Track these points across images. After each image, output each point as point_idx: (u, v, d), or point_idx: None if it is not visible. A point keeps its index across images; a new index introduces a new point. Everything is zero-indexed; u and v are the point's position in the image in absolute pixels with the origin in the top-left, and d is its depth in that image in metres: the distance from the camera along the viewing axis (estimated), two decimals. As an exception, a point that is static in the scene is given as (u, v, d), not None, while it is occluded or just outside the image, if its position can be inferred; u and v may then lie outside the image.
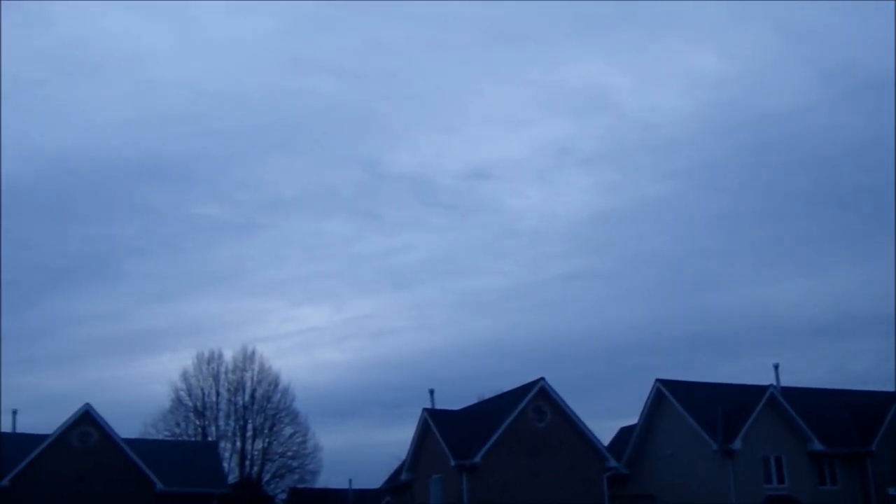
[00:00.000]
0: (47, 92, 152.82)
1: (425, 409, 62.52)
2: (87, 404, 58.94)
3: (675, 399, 61.58)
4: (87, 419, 58.70)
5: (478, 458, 56.58)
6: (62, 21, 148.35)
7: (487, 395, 70.68)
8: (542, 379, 59.30)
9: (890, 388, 67.64)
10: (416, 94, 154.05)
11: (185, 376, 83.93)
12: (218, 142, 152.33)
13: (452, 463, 57.10)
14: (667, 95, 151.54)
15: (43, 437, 58.27)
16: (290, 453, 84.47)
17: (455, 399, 78.98)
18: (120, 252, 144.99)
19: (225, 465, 73.44)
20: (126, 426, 62.53)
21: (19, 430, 62.90)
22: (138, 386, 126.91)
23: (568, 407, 59.18)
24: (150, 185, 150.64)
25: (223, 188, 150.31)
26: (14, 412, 63.72)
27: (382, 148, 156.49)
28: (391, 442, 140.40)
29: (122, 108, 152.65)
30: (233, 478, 77.50)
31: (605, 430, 75.56)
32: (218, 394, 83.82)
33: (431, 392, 64.98)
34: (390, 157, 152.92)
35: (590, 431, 59.50)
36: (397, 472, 67.71)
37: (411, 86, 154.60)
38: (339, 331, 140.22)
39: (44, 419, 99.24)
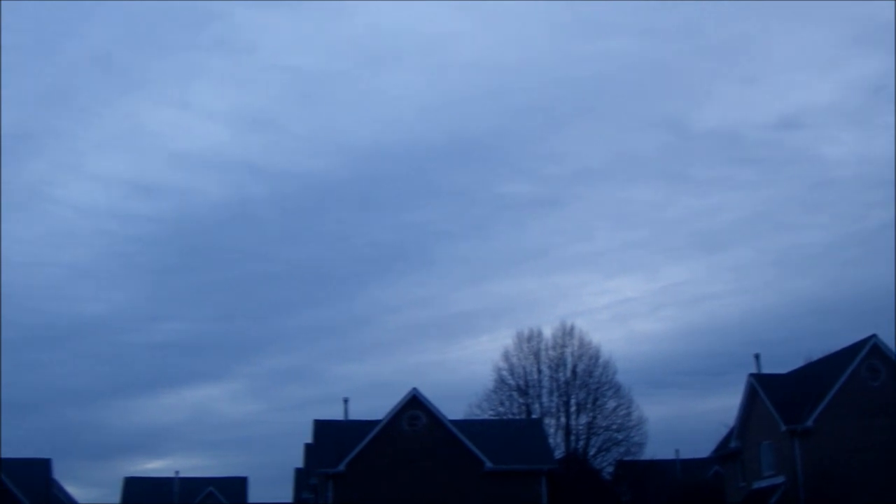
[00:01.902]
0: (350, 85, 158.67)
1: (751, 375, 60.75)
2: (415, 389, 60.42)
3: None
4: (414, 403, 60.20)
5: (810, 422, 54.47)
6: (360, 12, 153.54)
7: (815, 357, 67.85)
8: (874, 336, 56.38)
9: None
10: (715, 45, 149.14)
11: (506, 356, 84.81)
12: (519, 117, 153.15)
13: (783, 428, 55.19)
14: None
15: (373, 423, 60.24)
16: (614, 426, 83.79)
17: (780, 362, 76.36)
18: (431, 238, 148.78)
19: (550, 441, 73.69)
20: (450, 408, 63.81)
21: (351, 416, 65.17)
22: (458, 368, 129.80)
23: (905, 363, 56.02)
24: (456, 168, 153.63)
25: (527, 164, 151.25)
26: (345, 400, 66.07)
27: (685, 106, 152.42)
28: (716, 409, 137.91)
29: (423, 93, 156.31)
30: (559, 453, 77.77)
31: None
32: (539, 371, 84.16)
33: (757, 356, 62.91)
34: (694, 115, 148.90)
35: (932, 387, 56.09)
36: (725, 441, 65.94)
37: (710, 37, 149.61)
38: (654, 300, 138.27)
39: (372, 405, 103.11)
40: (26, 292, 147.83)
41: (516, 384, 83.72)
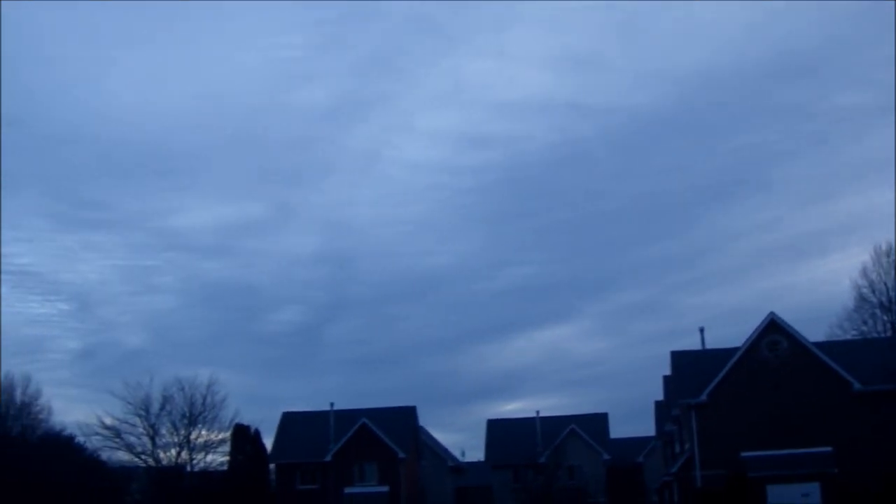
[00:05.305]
0: (668, 12, 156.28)
1: None
2: (772, 313, 58.82)
3: None
4: (773, 328, 58.63)
5: None
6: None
7: None
8: None
9: None
10: None
11: (864, 272, 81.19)
12: (850, 23, 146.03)
13: None
14: None
15: (732, 351, 59.18)
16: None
17: None
18: (767, 159, 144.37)
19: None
20: (809, 330, 61.56)
21: (708, 345, 64.24)
22: (811, 290, 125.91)
23: None
24: (788, 83, 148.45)
25: (864, 71, 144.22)
26: (701, 329, 65.29)
27: None
28: None
29: (746, 10, 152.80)
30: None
31: None
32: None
33: None
34: None
35: None
36: None
37: None
38: None
39: (726, 333, 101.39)
40: (375, 251, 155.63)
41: (878, 301, 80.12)
